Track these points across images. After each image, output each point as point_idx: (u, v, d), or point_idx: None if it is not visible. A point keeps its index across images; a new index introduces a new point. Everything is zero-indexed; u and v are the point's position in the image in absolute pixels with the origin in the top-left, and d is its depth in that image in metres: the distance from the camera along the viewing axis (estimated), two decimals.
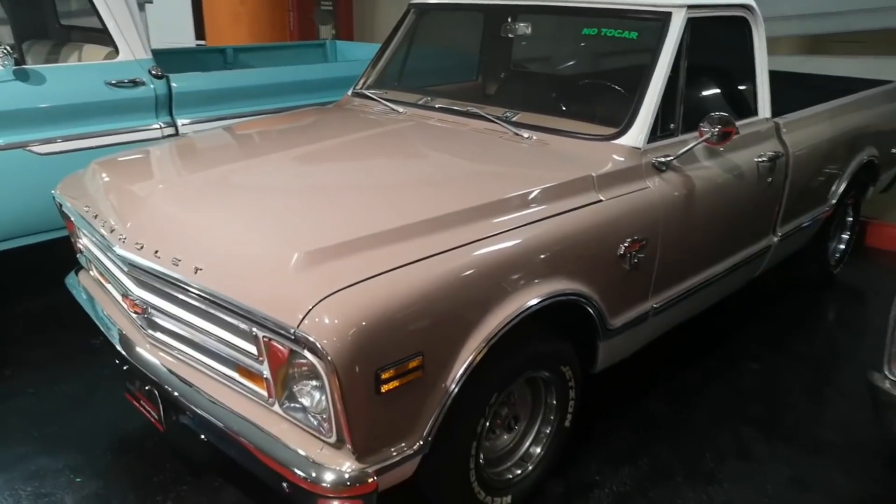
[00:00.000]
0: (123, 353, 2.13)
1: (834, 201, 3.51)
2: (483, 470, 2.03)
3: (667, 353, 2.99)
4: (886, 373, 2.11)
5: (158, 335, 2.04)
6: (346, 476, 1.61)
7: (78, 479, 2.28)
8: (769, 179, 2.88)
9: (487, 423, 1.98)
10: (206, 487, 2.24)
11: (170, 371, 2.00)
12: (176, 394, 1.94)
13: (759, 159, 2.79)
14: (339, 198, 2.07)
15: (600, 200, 2.17)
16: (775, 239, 3.12)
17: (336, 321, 1.54)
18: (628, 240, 2.21)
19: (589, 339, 2.28)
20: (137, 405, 2.16)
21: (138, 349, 2.10)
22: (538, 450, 2.20)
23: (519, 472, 2.16)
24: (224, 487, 2.23)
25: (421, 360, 1.68)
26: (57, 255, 3.50)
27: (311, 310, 1.55)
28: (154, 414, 2.08)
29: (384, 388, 1.61)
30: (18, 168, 3.13)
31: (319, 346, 1.51)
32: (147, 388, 2.06)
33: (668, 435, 2.54)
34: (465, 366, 1.77)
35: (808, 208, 3.35)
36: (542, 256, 1.95)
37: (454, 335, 1.76)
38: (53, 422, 2.57)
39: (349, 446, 1.63)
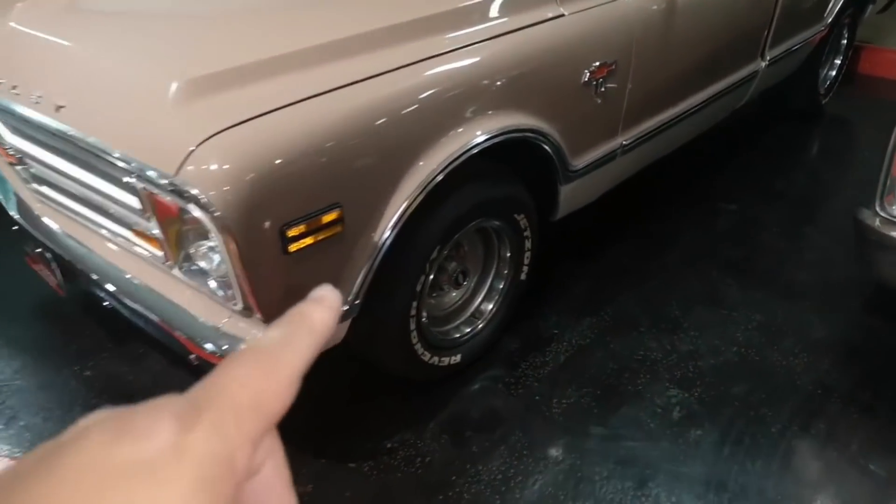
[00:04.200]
0: (15, 215, 1.84)
1: (830, 19, 3.13)
2: (428, 329, 1.84)
3: (637, 194, 2.75)
4: (878, 209, 1.89)
5: (45, 190, 1.75)
6: None
7: None
8: None
9: (430, 279, 1.75)
10: (129, 356, 2.04)
11: (63, 232, 1.73)
12: (69, 257, 1.68)
13: None
14: (227, 19, 1.68)
15: (561, 15, 1.81)
16: (763, 63, 2.79)
17: (225, 167, 1.24)
18: (595, 64, 1.87)
19: (548, 183, 2.01)
20: (37, 269, 1.90)
21: (29, 209, 1.81)
22: (490, 306, 2.00)
23: (468, 330, 1.97)
24: (148, 354, 2.04)
25: (339, 213, 1.40)
26: None
27: (191, 153, 1.24)
28: (53, 278, 1.83)
29: (293, 247, 1.34)
30: None
31: (204, 198, 1.23)
32: (42, 251, 1.79)
33: (633, 282, 2.36)
34: (396, 216, 1.50)
35: (801, 28, 2.99)
36: (488, 85, 1.63)
37: (381, 181, 1.48)
38: None
39: (258, 315, 1.39)
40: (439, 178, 1.55)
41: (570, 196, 2.09)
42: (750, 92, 2.85)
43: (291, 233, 1.32)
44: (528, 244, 1.99)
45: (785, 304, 2.27)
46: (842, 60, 3.63)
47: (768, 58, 2.78)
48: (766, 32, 2.69)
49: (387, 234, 1.50)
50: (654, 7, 2.04)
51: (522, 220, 1.92)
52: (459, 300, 1.97)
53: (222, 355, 1.40)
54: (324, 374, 1.66)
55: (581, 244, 2.54)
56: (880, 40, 4.17)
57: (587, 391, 1.92)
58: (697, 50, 2.31)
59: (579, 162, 2.02)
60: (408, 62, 1.51)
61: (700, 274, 2.41)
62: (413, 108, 1.48)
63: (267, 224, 1.29)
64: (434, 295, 1.91)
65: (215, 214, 1.23)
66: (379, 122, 1.42)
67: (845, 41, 3.58)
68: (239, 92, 1.34)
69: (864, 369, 2.01)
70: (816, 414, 1.85)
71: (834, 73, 3.63)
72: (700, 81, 2.44)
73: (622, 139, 2.16)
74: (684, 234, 2.64)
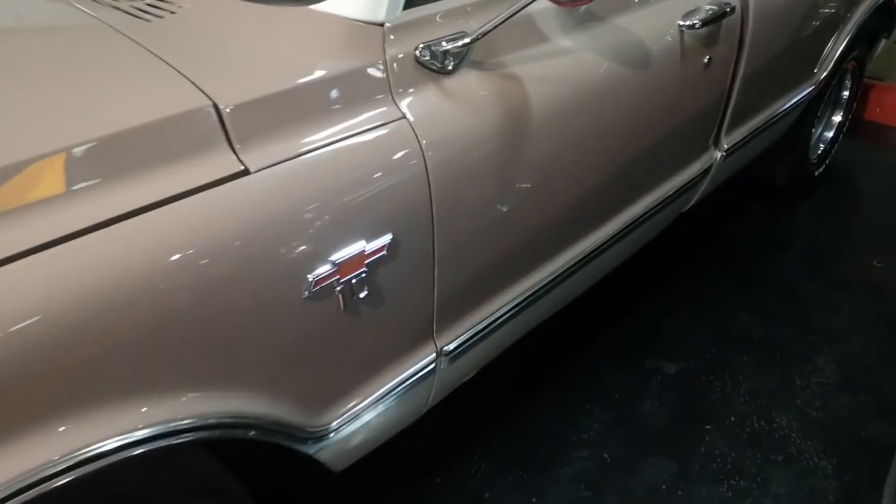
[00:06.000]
0: None
1: (825, 73, 2.17)
2: None
3: (527, 344, 1.80)
4: None
5: None
6: None
7: None
8: (706, 59, 1.53)
9: None
10: None
11: None
12: None
13: (687, 23, 1.44)
14: None
15: (242, 172, 0.86)
16: (718, 154, 1.84)
17: None
18: (332, 260, 0.94)
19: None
20: None
21: None
22: None
23: None
24: None
25: None
26: None
27: None
28: None
29: None
30: None
31: None
32: None
33: None
34: None
35: (779, 94, 2.03)
36: (76, 342, 0.71)
37: None
38: None
39: None
40: None
41: (344, 451, 1.16)
42: (699, 193, 1.91)
43: None
44: None
45: None
46: (843, 116, 2.66)
47: (726, 146, 1.83)
48: (721, 113, 1.74)
49: None
50: (479, 120, 1.09)
51: None
52: None
53: None
54: None
55: (428, 460, 1.61)
56: (893, 75, 3.20)
57: None
58: (589, 171, 1.36)
59: (336, 414, 1.09)
60: None
61: None
62: None
63: None
64: None
65: None
66: None
67: (847, 91, 2.62)
68: None
69: None
70: None
71: (832, 132, 2.67)
72: (602, 210, 1.49)
73: (443, 343, 1.22)
74: (591, 426, 1.70)
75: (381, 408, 1.16)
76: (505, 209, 1.21)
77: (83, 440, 0.77)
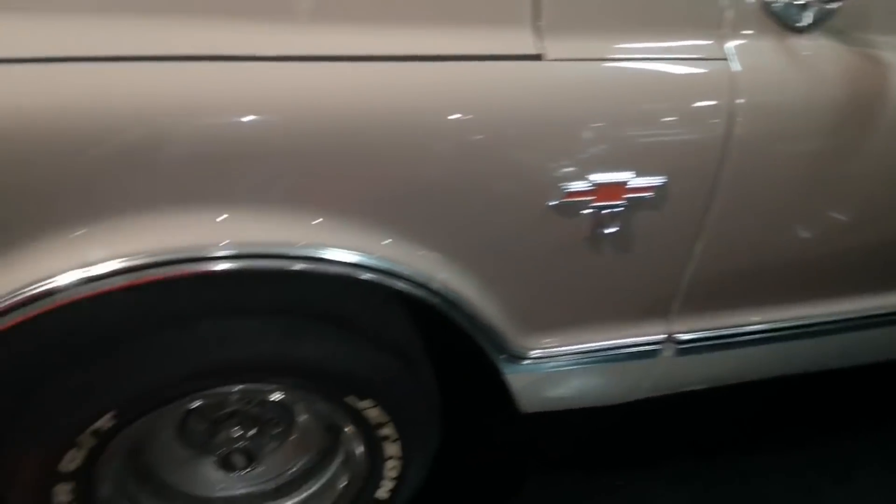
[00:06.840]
0: None
1: None
2: None
3: (769, 389, 1.56)
4: None
5: None
6: None
7: None
8: None
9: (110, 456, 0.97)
10: None
11: None
12: None
13: None
14: None
15: (536, 56, 0.84)
16: None
17: None
18: (598, 179, 0.88)
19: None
20: None
21: None
22: None
23: None
24: None
25: None
26: None
27: None
28: None
29: None
30: None
31: None
32: None
33: None
34: None
35: None
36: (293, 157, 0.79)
37: None
38: None
39: None
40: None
41: (534, 389, 1.12)
42: None
43: None
44: (390, 450, 1.07)
45: None
46: None
47: None
48: None
49: None
50: (808, 97, 0.94)
51: (370, 410, 1.02)
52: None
53: None
54: None
55: (620, 459, 1.49)
56: None
57: None
58: None
59: (539, 343, 1.04)
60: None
61: None
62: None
63: None
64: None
65: None
66: None
67: None
68: None
69: None
70: None
71: None
72: None
73: (677, 329, 1.10)
74: None
75: (586, 363, 1.09)
76: (806, 215, 1.04)
77: (329, 241, 0.83)
